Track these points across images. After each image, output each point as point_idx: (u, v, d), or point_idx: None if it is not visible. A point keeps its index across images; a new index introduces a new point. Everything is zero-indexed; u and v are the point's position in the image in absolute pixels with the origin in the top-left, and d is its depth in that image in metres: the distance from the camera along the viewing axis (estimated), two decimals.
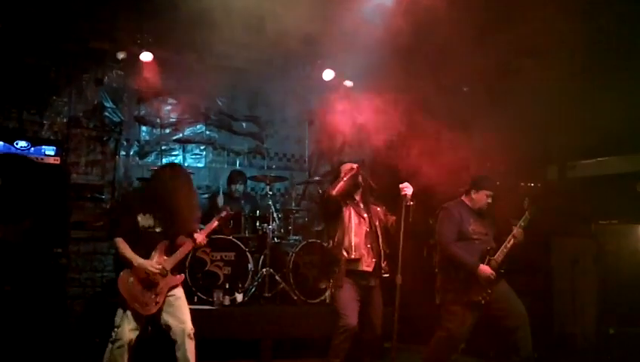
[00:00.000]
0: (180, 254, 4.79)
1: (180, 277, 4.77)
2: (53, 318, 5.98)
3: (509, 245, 5.37)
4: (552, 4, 5.97)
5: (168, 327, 4.62)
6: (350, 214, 5.25)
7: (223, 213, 5.11)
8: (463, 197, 5.68)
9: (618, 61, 6.52)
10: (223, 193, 7.97)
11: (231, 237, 6.96)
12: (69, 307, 7.08)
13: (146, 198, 4.85)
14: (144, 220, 4.70)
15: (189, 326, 4.61)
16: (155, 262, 4.62)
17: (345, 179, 5.18)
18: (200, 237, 4.87)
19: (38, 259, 5.63)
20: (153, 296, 4.56)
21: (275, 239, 7.43)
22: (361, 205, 5.31)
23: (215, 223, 5.04)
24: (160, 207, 4.71)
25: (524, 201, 5.52)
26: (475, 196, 5.58)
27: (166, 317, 4.63)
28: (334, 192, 5.16)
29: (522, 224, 5.42)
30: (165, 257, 4.70)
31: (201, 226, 7.19)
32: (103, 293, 7.39)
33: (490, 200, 5.56)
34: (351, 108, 6.99)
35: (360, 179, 5.27)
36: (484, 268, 5.26)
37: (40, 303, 5.73)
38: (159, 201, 4.73)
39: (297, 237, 7.65)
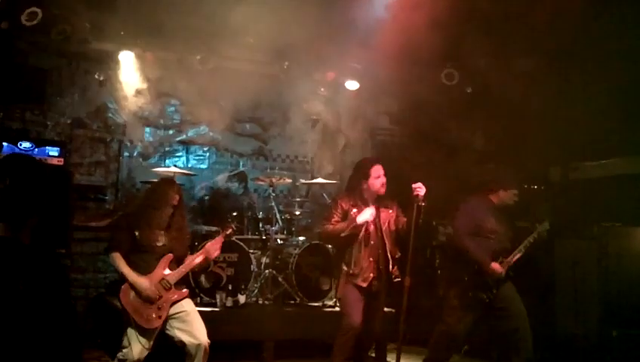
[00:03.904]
0: (184, 268, 4.77)
1: (185, 291, 4.75)
2: (58, 319, 5.98)
3: (523, 250, 5.35)
4: (553, 5, 5.98)
5: (182, 344, 4.58)
6: None
7: (229, 231, 5.09)
8: (489, 194, 5.56)
9: (621, 63, 6.52)
10: (223, 193, 8.00)
11: (234, 239, 6.96)
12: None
13: (141, 210, 4.87)
14: (143, 234, 4.69)
15: (204, 341, 4.58)
16: (149, 284, 4.55)
17: (351, 227, 5.04)
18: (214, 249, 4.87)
19: (43, 259, 5.62)
20: (156, 310, 4.52)
21: (278, 240, 7.44)
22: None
23: (221, 241, 4.99)
24: (152, 217, 4.73)
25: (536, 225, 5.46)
26: (502, 195, 5.50)
27: (179, 334, 4.59)
28: (325, 240, 5.14)
29: (535, 236, 5.40)
30: (169, 271, 4.69)
31: (203, 227, 7.26)
32: (106, 294, 7.39)
33: (516, 198, 5.52)
34: None
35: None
36: (496, 266, 5.25)
37: (45, 304, 5.72)
38: (152, 211, 4.75)
39: (300, 239, 7.64)
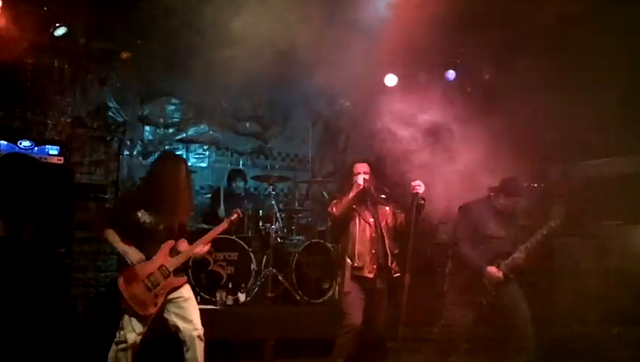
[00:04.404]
0: (183, 256, 4.75)
1: (183, 278, 4.74)
2: (57, 318, 5.99)
3: (524, 251, 5.29)
4: (551, 5, 5.98)
5: (177, 329, 4.59)
6: (355, 220, 5.27)
7: (234, 216, 5.02)
8: (491, 198, 5.55)
9: (623, 62, 6.52)
10: (225, 192, 8.00)
11: (234, 237, 6.96)
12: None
13: (145, 189, 4.81)
14: (145, 216, 4.62)
15: (198, 327, 4.60)
16: (139, 257, 4.53)
17: (350, 197, 5.21)
18: (204, 247, 4.83)
19: (43, 259, 5.61)
20: (153, 297, 4.52)
21: (278, 239, 7.44)
22: (369, 207, 5.30)
23: (225, 225, 4.95)
24: (158, 194, 4.64)
25: (555, 208, 5.31)
26: (503, 201, 5.46)
27: (174, 319, 4.60)
28: (337, 213, 5.25)
29: (538, 238, 5.29)
30: (169, 258, 4.68)
31: (204, 225, 7.26)
32: (107, 293, 7.39)
33: (518, 205, 5.48)
34: None
35: (367, 190, 5.26)
36: (492, 270, 5.27)
37: (45, 303, 5.73)
38: (158, 189, 4.65)
39: (300, 237, 7.65)
